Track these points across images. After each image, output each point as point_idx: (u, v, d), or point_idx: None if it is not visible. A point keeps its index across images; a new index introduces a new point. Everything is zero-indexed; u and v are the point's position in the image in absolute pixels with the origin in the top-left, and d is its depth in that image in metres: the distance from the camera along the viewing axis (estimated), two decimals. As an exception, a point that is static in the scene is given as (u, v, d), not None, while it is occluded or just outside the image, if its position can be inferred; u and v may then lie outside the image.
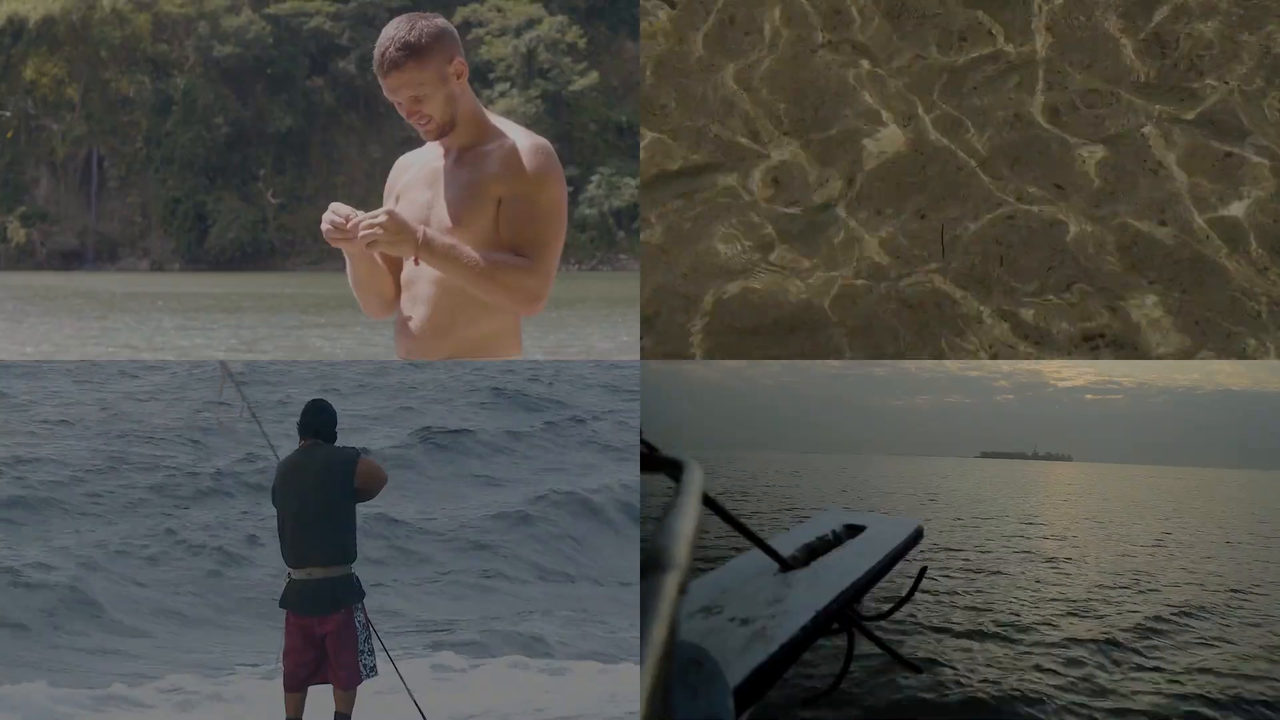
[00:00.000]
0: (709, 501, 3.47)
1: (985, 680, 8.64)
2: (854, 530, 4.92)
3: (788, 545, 4.44)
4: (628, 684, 8.04)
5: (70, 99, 78.80)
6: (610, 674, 8.47)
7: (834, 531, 4.87)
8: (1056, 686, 8.57)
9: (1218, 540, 23.13)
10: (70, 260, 77.66)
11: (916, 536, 4.86)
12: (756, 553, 3.95)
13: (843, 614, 4.43)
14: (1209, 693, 8.52)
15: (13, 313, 37.52)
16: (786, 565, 3.94)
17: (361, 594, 5.66)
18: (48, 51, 78.49)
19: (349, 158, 77.64)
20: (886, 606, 5.90)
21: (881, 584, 4.40)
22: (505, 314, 4.22)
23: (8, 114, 78.15)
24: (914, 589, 5.42)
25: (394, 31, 4.11)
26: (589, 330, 31.36)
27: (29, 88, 78.58)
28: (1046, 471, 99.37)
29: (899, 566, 4.66)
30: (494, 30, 75.74)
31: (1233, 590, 14.98)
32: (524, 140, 4.18)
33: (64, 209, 79.17)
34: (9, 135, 78.74)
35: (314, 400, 5.85)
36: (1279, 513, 37.87)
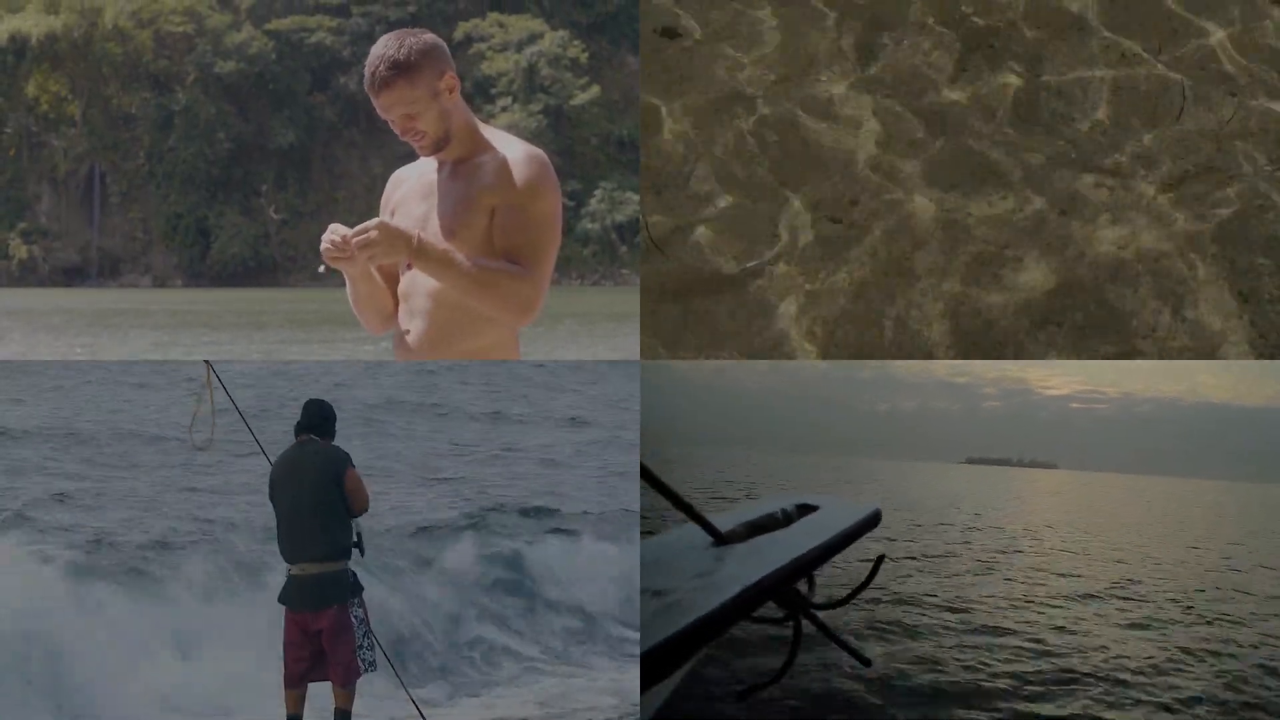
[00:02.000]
0: (645, 472, 3.38)
1: (933, 672, 8.63)
2: (807, 511, 4.65)
3: (731, 521, 4.17)
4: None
5: (72, 115, 79.00)
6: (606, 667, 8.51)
7: (784, 510, 4.55)
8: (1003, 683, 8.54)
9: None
10: (72, 276, 77.79)
11: (873, 520, 4.52)
12: (693, 527, 3.75)
13: (790, 600, 4.21)
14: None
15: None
16: (722, 539, 3.72)
17: (358, 589, 5.70)
18: (50, 68, 78.70)
19: (350, 173, 77.78)
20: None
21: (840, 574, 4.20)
22: (502, 326, 4.24)
23: (9, 130, 78.33)
24: (870, 577, 5.03)
25: (383, 50, 4.13)
26: (586, 343, 31.47)
27: (31, 104, 78.78)
28: (1031, 479, 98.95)
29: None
30: (495, 45, 75.89)
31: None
32: (518, 151, 4.21)
33: (66, 225, 79.31)
34: (11, 153, 78.89)
35: (312, 399, 5.91)
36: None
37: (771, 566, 3.30)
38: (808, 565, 3.68)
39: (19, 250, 77.50)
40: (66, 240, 79.00)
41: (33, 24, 78.06)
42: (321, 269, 4.20)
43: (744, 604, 2.98)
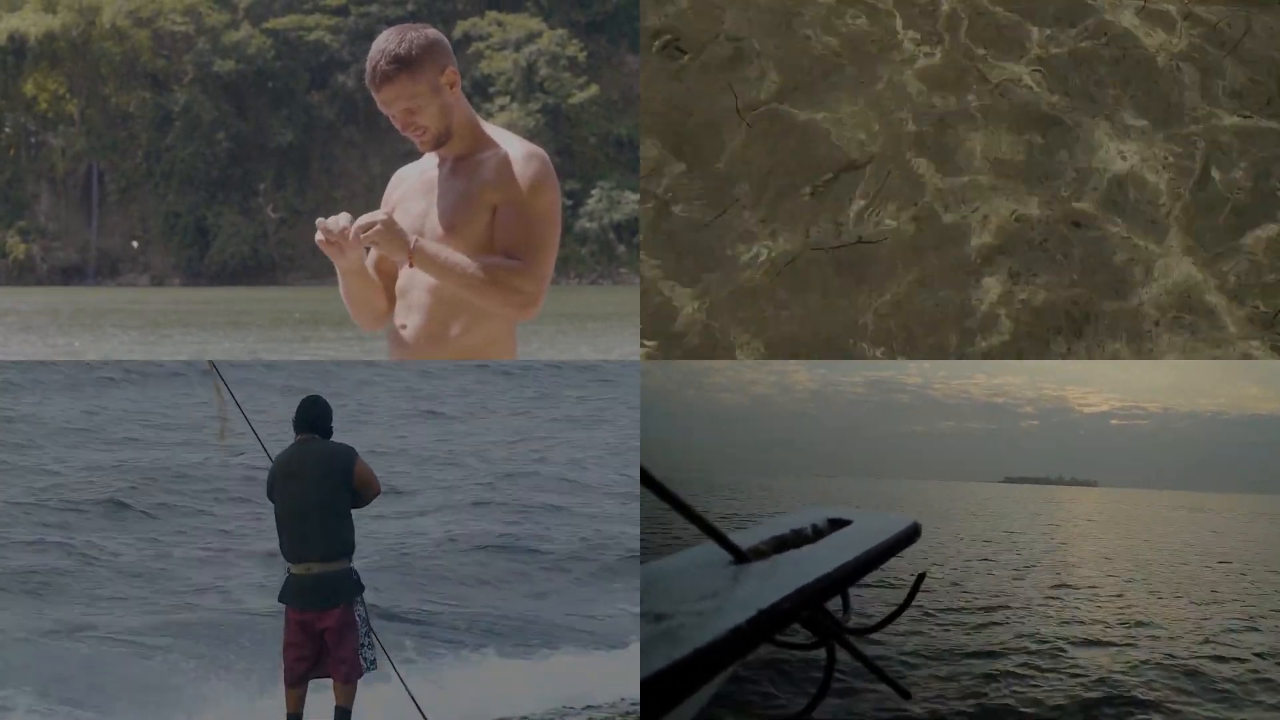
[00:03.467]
0: (656, 486, 3.10)
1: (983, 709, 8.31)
2: (839, 525, 4.34)
3: (754, 538, 3.88)
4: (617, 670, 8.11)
5: (70, 114, 78.98)
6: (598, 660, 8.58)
7: (814, 525, 4.25)
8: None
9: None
10: (71, 275, 77.77)
11: (910, 535, 4.19)
12: (711, 545, 3.44)
13: (820, 624, 3.93)
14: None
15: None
16: (743, 557, 3.41)
17: (360, 588, 5.72)
18: (48, 67, 78.68)
19: (349, 172, 77.77)
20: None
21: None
22: (500, 321, 4.24)
23: (7, 130, 78.33)
24: (910, 598, 4.66)
25: (384, 44, 4.13)
26: (585, 341, 31.55)
27: (29, 103, 78.76)
28: (1071, 497, 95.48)
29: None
30: (494, 44, 75.89)
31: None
32: (518, 148, 4.22)
33: (64, 224, 79.30)
34: (10, 152, 78.86)
35: (309, 396, 5.89)
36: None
37: (793, 586, 3.03)
38: (837, 584, 3.38)
39: (17, 249, 77.48)
40: (65, 239, 78.99)
41: (31, 23, 78.05)
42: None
43: (759, 629, 2.70)
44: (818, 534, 4.19)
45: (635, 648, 8.47)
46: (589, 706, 7.72)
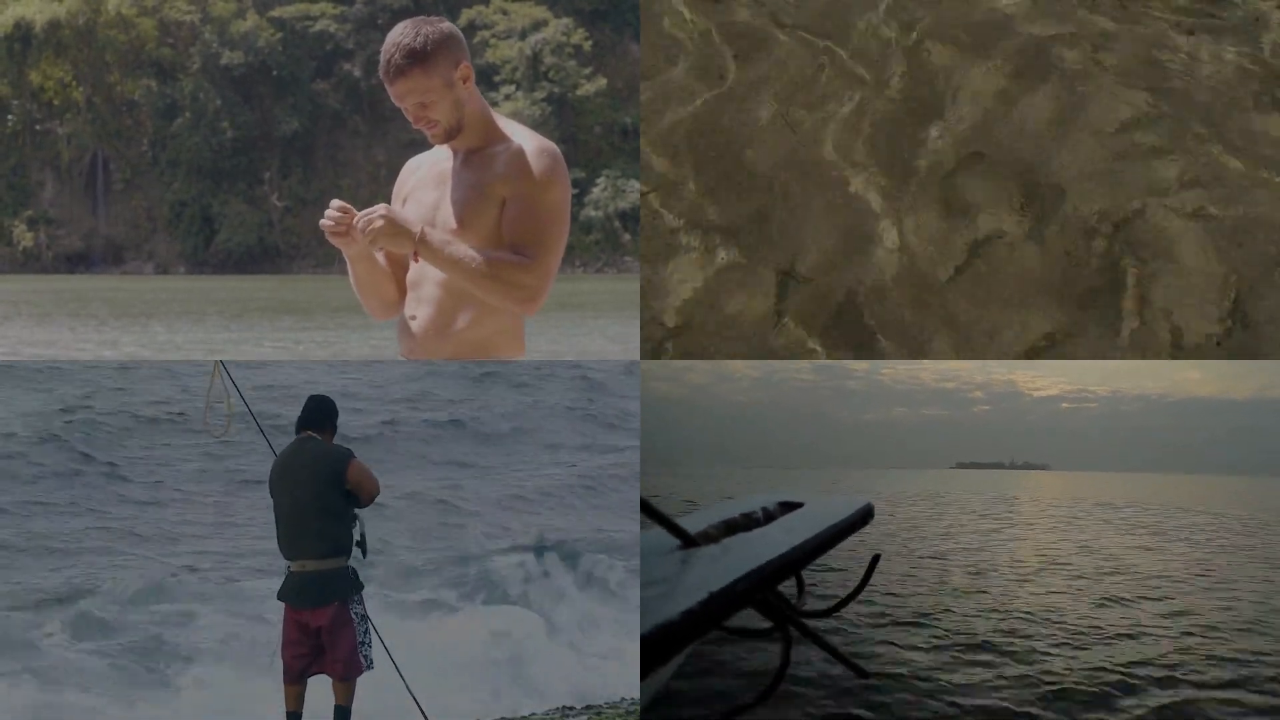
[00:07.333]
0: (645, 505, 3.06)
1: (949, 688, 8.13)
2: (791, 508, 4.31)
3: (703, 521, 3.88)
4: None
5: (76, 102, 78.99)
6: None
7: (764, 509, 4.26)
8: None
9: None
10: (76, 263, 77.83)
11: (863, 516, 4.17)
12: (660, 531, 3.45)
13: (775, 608, 3.90)
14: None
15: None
16: (691, 542, 3.42)
17: (359, 586, 5.68)
18: (54, 55, 78.68)
19: (354, 161, 77.76)
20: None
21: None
22: (508, 315, 4.25)
23: (13, 117, 78.33)
24: (865, 581, 4.59)
25: (399, 37, 4.12)
26: (590, 334, 31.51)
27: (35, 91, 78.78)
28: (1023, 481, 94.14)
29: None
30: (499, 33, 75.83)
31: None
32: (530, 142, 4.21)
33: (70, 212, 79.34)
34: (19, 142, 78.88)
35: (313, 395, 5.87)
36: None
37: (744, 569, 3.01)
38: (789, 566, 3.35)
39: (23, 237, 77.55)
40: (70, 227, 79.03)
41: (36, 11, 78.04)
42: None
43: (711, 612, 2.68)
44: (769, 517, 4.18)
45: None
46: (589, 706, 7.68)
